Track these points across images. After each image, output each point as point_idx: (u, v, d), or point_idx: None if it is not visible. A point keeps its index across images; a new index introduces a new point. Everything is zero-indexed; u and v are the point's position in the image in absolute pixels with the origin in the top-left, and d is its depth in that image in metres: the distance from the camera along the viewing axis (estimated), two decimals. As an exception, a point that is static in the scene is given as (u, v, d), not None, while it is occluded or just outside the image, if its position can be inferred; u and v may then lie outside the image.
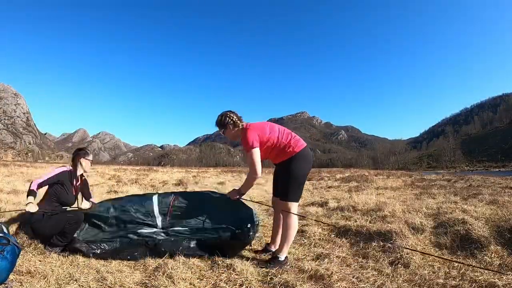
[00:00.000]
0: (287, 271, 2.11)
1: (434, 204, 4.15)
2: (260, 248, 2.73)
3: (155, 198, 2.79)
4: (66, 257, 2.34)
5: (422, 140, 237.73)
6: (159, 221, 2.68)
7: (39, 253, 2.36)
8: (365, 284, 1.90)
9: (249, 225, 2.54)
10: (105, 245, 2.58)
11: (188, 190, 6.12)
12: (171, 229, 2.66)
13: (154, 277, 1.97)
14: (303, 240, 2.97)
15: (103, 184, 7.66)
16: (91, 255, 2.47)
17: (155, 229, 2.68)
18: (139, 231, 2.68)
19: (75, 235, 2.62)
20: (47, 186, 2.72)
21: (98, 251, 2.52)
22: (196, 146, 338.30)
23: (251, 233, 2.52)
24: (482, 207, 3.57)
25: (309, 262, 2.28)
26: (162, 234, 2.64)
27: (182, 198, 2.80)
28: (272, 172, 3.03)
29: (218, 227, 2.58)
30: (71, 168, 2.89)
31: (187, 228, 2.64)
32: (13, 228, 2.69)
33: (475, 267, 2.02)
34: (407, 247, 2.40)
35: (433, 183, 9.19)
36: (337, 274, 2.02)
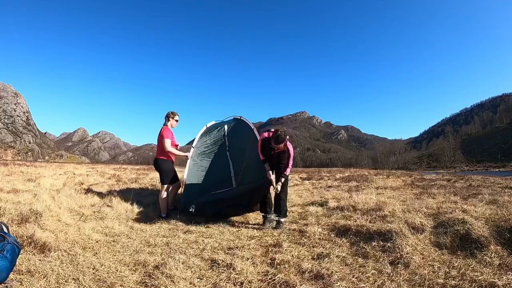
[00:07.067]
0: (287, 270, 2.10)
1: (434, 204, 4.14)
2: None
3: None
4: (67, 256, 2.33)
5: (422, 140, 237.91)
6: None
7: (39, 252, 2.36)
8: (365, 284, 1.89)
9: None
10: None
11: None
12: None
13: (154, 276, 1.97)
14: (303, 240, 2.97)
15: (103, 183, 7.64)
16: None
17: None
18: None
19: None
20: None
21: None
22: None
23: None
24: (482, 207, 3.57)
25: (309, 261, 2.28)
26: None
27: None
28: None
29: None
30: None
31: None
32: (13, 227, 2.69)
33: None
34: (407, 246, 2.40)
35: (433, 183, 9.18)
36: (337, 274, 2.02)
